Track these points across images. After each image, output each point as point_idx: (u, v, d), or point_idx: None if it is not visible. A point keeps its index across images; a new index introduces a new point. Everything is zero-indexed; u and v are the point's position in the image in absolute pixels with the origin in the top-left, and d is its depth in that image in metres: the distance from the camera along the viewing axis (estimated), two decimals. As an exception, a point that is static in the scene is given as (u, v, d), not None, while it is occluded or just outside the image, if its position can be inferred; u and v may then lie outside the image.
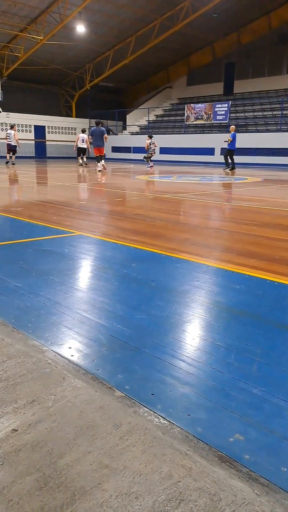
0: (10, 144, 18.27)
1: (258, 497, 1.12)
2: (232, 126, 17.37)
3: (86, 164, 18.95)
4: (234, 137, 16.32)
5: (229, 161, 16.91)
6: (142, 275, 3.16)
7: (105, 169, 15.86)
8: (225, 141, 16.55)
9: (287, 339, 2.15)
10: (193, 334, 2.19)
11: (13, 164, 18.60)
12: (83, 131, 19.07)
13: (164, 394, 1.61)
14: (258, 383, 1.72)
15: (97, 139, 15.13)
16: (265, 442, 1.38)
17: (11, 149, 18.46)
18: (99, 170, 15.51)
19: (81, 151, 18.85)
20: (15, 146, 18.25)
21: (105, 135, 15.25)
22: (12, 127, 18.47)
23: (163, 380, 1.71)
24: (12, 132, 17.93)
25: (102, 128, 15.24)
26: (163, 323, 2.28)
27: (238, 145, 16.70)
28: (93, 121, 30.29)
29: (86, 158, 19.54)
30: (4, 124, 26.03)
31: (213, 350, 2.01)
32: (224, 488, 1.14)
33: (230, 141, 16.25)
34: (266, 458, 1.30)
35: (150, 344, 2.03)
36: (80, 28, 22.58)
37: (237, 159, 17.85)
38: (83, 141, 18.63)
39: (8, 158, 18.74)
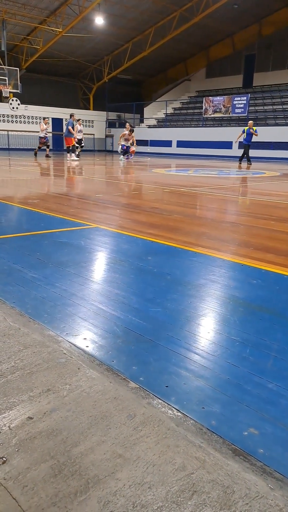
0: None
1: (272, 491, 1.11)
2: (251, 121, 17.08)
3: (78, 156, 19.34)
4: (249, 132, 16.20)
5: (245, 155, 16.80)
6: (158, 268, 3.16)
7: (71, 159, 17.12)
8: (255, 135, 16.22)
9: (303, 334, 2.13)
10: (208, 328, 2.18)
11: (35, 155, 18.99)
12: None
13: (178, 387, 1.61)
14: (274, 378, 1.71)
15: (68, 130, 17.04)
16: (280, 436, 1.37)
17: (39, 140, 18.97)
18: (73, 160, 16.90)
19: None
20: (39, 137, 18.60)
21: (69, 126, 17.23)
22: (43, 119, 18.94)
23: (178, 373, 1.71)
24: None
25: (72, 120, 17.34)
26: (179, 316, 2.28)
27: (255, 138, 16.49)
28: (111, 114, 30.43)
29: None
30: (22, 116, 26.20)
31: (228, 344, 2.00)
32: (238, 481, 1.14)
33: (246, 136, 16.10)
34: (281, 453, 1.29)
35: (165, 337, 2.03)
36: (99, 20, 22.50)
37: (255, 152, 17.64)
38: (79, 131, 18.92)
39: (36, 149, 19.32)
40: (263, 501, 1.08)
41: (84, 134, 19.26)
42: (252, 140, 16.42)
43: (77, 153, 19.27)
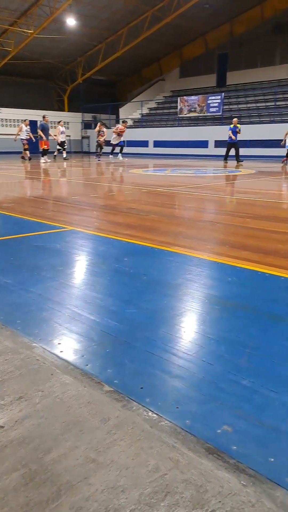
0: None
1: (244, 487, 1.12)
2: (235, 119, 16.89)
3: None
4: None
5: (229, 154, 16.62)
6: (134, 269, 3.16)
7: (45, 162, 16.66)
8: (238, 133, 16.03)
9: (278, 330, 2.16)
10: (184, 327, 2.19)
11: (28, 159, 17.86)
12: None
13: (153, 388, 1.61)
14: (248, 375, 1.73)
15: (46, 133, 16.56)
16: (254, 433, 1.38)
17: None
18: (43, 163, 16.43)
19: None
20: (21, 139, 17.29)
21: (39, 130, 16.65)
22: (24, 120, 17.90)
23: (153, 374, 1.71)
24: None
25: (43, 122, 16.81)
26: (155, 317, 2.28)
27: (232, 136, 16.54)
28: (86, 115, 30.25)
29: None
30: (-4, 119, 25.82)
31: (204, 342, 2.02)
32: (211, 480, 1.15)
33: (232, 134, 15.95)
34: (254, 449, 1.30)
35: (141, 338, 2.02)
36: (71, 21, 22.37)
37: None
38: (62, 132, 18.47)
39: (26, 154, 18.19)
40: (235, 498, 1.09)
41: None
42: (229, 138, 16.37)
43: (55, 153, 18.99)
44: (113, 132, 17.46)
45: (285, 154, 15.84)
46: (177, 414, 1.46)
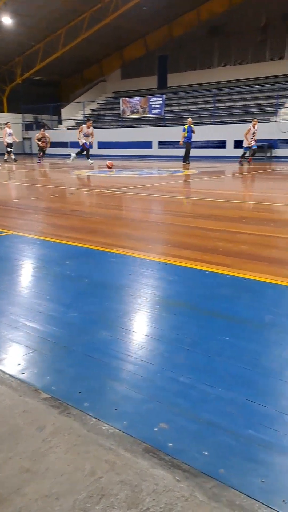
0: None
1: (178, 483, 1.15)
2: (190, 119, 16.97)
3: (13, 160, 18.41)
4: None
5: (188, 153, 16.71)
6: (76, 272, 3.13)
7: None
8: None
9: (215, 326, 2.23)
10: (124, 329, 2.20)
11: None
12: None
13: (92, 392, 1.61)
14: (185, 371, 1.77)
15: None
16: (189, 428, 1.41)
17: None
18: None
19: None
20: None
21: None
22: None
23: (92, 377, 1.71)
24: None
25: None
26: (96, 320, 2.28)
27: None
28: (27, 116, 29.52)
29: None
30: None
31: (144, 342, 2.04)
32: (146, 478, 1.16)
33: (187, 134, 16.07)
34: (189, 444, 1.33)
35: (81, 342, 2.01)
36: (6, 20, 21.77)
37: (174, 151, 18.02)
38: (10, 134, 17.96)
39: None
40: (169, 494, 1.11)
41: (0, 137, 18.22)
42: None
43: (13, 157, 18.26)
44: (80, 132, 15.48)
45: (241, 155, 15.92)
46: (115, 416, 1.46)
